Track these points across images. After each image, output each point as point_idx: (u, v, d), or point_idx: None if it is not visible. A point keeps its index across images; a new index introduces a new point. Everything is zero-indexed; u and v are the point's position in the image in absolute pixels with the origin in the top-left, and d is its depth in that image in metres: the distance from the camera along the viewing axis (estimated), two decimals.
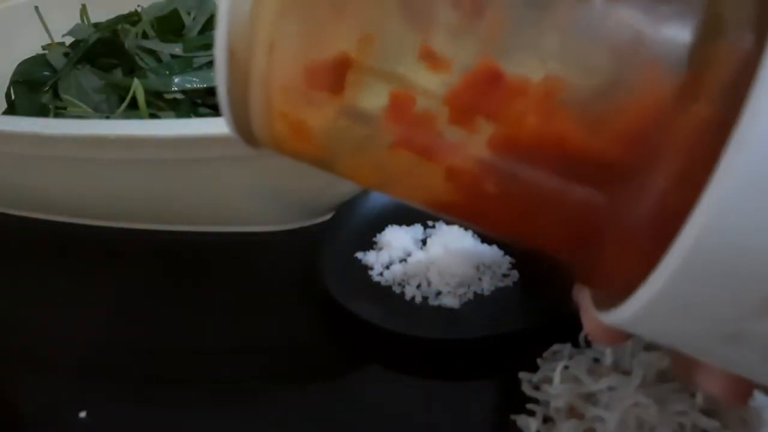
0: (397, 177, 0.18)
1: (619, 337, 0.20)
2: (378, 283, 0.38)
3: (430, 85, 0.16)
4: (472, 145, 0.16)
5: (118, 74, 0.48)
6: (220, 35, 0.17)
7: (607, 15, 0.15)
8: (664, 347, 0.17)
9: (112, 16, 0.52)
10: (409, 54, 0.16)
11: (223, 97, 0.18)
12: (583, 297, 0.20)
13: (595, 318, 0.18)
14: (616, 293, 0.16)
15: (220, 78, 0.17)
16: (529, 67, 0.15)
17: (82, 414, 0.33)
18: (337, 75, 0.16)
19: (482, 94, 0.15)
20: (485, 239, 0.40)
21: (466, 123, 0.16)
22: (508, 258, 0.39)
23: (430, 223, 0.42)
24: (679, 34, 0.14)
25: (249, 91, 0.17)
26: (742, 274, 0.13)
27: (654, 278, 0.14)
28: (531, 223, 0.17)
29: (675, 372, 0.23)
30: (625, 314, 0.15)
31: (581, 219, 0.16)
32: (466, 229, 0.41)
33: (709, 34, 0.14)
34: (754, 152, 0.12)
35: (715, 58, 0.14)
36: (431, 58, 0.15)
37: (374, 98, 0.16)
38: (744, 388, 0.19)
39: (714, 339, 0.15)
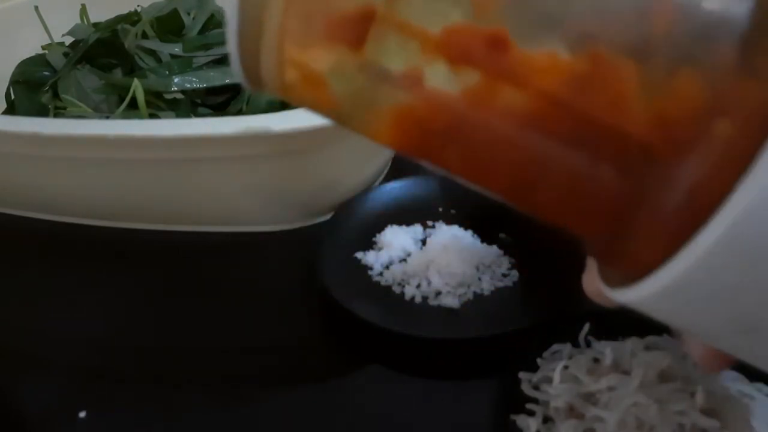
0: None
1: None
2: (378, 283, 0.38)
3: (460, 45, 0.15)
4: (501, 112, 0.15)
5: (117, 74, 0.48)
6: None
7: None
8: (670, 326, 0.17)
9: (111, 16, 0.52)
10: (439, 12, 0.15)
11: (232, 32, 0.17)
12: (590, 281, 0.20)
13: (596, 280, 0.18)
14: (631, 271, 0.15)
15: (230, 15, 0.17)
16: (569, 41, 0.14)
17: (82, 414, 0.33)
18: (359, 28, 0.16)
19: (517, 63, 0.15)
20: (485, 239, 0.40)
21: (489, 89, 0.15)
22: (508, 258, 0.39)
23: (430, 223, 0.42)
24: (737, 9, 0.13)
25: (262, 35, 0.17)
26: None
27: (679, 260, 0.14)
28: (556, 196, 0.16)
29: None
30: (640, 293, 0.15)
31: (610, 196, 0.15)
32: (465, 228, 0.41)
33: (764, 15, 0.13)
34: None
35: None
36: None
37: (396, 56, 0.16)
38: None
39: (729, 327, 0.15)
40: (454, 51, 0.15)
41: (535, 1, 0.15)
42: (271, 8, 0.16)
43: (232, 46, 0.17)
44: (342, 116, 0.18)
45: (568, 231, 0.18)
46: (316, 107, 0.18)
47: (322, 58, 0.16)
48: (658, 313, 0.16)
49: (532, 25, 0.15)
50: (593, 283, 0.19)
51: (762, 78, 0.13)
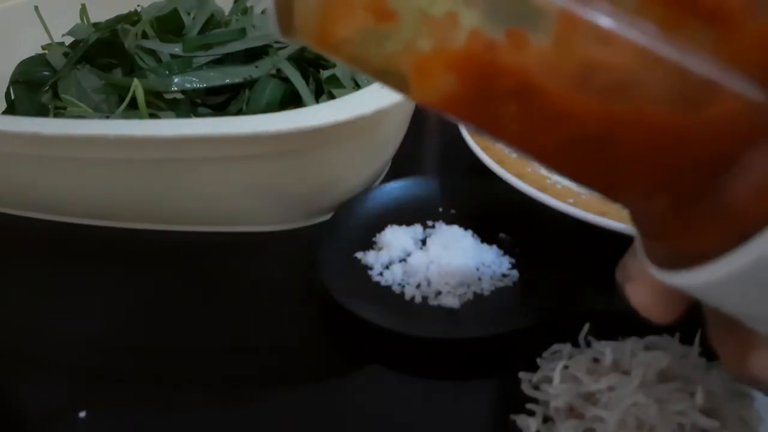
0: None
1: (671, 312, 0.18)
2: (378, 283, 0.38)
3: None
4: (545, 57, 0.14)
5: (117, 74, 0.48)
6: None
7: None
8: (721, 312, 0.16)
9: (111, 16, 0.52)
10: None
11: None
12: (633, 266, 0.19)
13: (647, 288, 0.17)
14: (693, 255, 0.14)
15: None
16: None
17: (82, 414, 0.33)
18: None
19: None
20: (485, 239, 0.40)
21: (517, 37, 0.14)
22: (508, 258, 0.39)
23: (430, 223, 0.42)
24: None
25: None
26: None
27: (755, 244, 0.13)
28: (634, 156, 0.15)
29: (723, 356, 0.20)
30: (703, 276, 0.14)
31: (725, 125, 0.14)
32: (465, 228, 0.41)
33: None
34: None
35: None
36: None
37: None
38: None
39: None
40: None
41: None
42: None
43: None
44: (388, 36, 0.15)
45: (627, 197, 0.16)
46: (358, 33, 0.15)
47: None
48: (721, 299, 0.15)
49: None
50: (645, 291, 0.18)
51: None
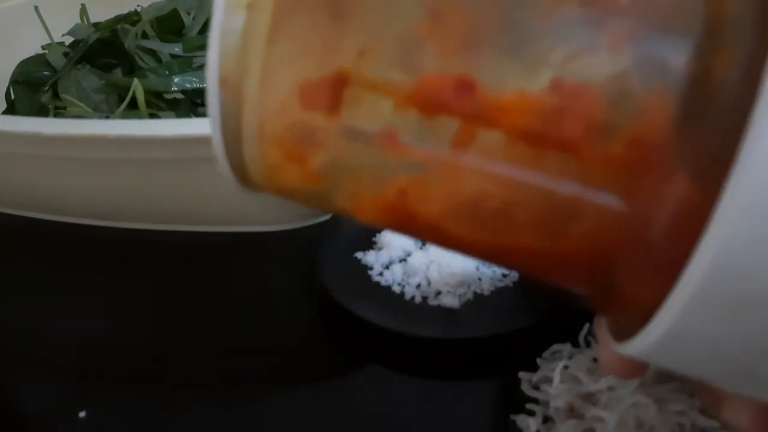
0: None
1: (637, 370, 0.20)
2: (378, 283, 0.38)
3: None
4: (480, 156, 0.15)
5: (117, 74, 0.48)
6: (212, 62, 0.16)
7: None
8: (688, 378, 0.16)
9: (112, 16, 0.52)
10: (407, 65, 0.15)
11: (216, 132, 0.18)
12: (600, 330, 0.20)
13: (612, 352, 0.18)
14: (633, 322, 0.15)
15: (212, 106, 0.17)
16: (536, 78, 0.15)
17: (82, 414, 0.33)
18: (334, 92, 0.16)
19: (486, 104, 0.15)
20: None
21: (465, 134, 0.15)
22: None
23: None
24: (678, 46, 0.14)
25: (242, 118, 0.17)
26: (752, 305, 0.13)
27: (665, 309, 0.13)
28: (548, 241, 0.16)
29: (703, 402, 0.22)
30: (642, 344, 0.15)
31: (597, 232, 0.15)
32: None
33: (709, 44, 0.13)
34: (758, 176, 0.12)
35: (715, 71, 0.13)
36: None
37: (371, 116, 0.16)
38: None
39: (734, 371, 0.15)
40: (425, 100, 0.15)
41: (501, 41, 0.15)
42: (246, 93, 0.16)
43: (218, 149, 0.18)
44: (326, 192, 0.18)
45: (561, 282, 0.18)
46: (301, 188, 0.18)
47: (299, 130, 0.16)
48: (667, 362, 0.16)
49: (496, 65, 0.15)
50: (609, 354, 0.19)
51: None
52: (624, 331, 0.16)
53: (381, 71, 0.15)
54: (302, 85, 0.16)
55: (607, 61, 0.14)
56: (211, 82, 0.17)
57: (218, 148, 0.18)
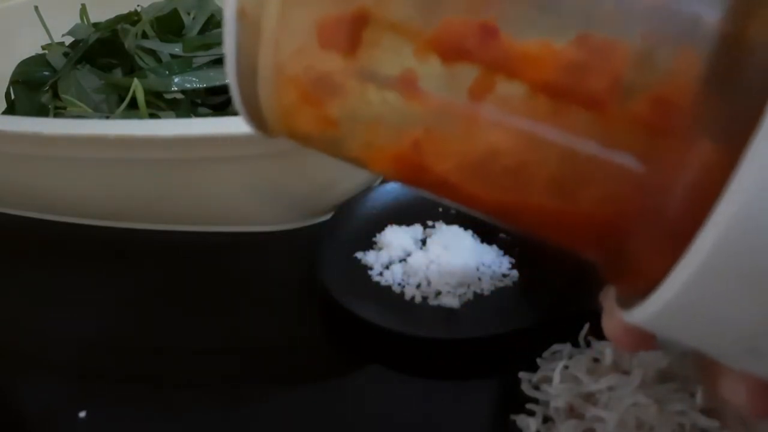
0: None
1: (643, 342, 0.19)
2: (378, 283, 0.38)
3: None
4: (499, 109, 0.15)
5: (117, 74, 0.48)
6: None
7: None
8: (688, 350, 0.16)
9: (111, 16, 0.52)
10: (430, 8, 0.15)
11: (231, 68, 0.17)
12: (607, 299, 0.19)
13: (617, 321, 0.18)
14: (641, 291, 0.15)
15: (228, 41, 0.16)
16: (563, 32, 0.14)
17: (82, 414, 0.33)
18: (353, 32, 0.15)
19: (509, 53, 0.14)
20: (485, 239, 0.40)
21: (485, 84, 0.15)
22: (508, 258, 0.39)
23: (430, 223, 0.42)
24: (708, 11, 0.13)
25: (258, 55, 0.16)
26: (762, 278, 0.13)
27: (674, 275, 0.13)
28: (565, 203, 0.16)
29: (700, 378, 0.21)
30: (646, 312, 0.14)
31: (612, 195, 0.15)
32: (465, 228, 0.41)
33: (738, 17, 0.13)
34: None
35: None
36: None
37: (390, 59, 0.15)
38: None
39: (737, 345, 0.14)
40: (445, 45, 0.15)
41: None
42: (265, 27, 0.16)
43: (233, 87, 0.17)
44: (339, 140, 0.18)
45: (576, 247, 0.17)
46: (314, 133, 0.18)
47: (316, 71, 0.16)
48: (670, 332, 0.16)
49: (522, 15, 0.15)
50: (615, 324, 0.18)
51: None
52: (632, 300, 0.16)
53: (402, 12, 0.15)
54: (321, 22, 0.15)
55: (638, 17, 0.14)
56: (229, 14, 0.16)
57: (233, 84, 0.17)
